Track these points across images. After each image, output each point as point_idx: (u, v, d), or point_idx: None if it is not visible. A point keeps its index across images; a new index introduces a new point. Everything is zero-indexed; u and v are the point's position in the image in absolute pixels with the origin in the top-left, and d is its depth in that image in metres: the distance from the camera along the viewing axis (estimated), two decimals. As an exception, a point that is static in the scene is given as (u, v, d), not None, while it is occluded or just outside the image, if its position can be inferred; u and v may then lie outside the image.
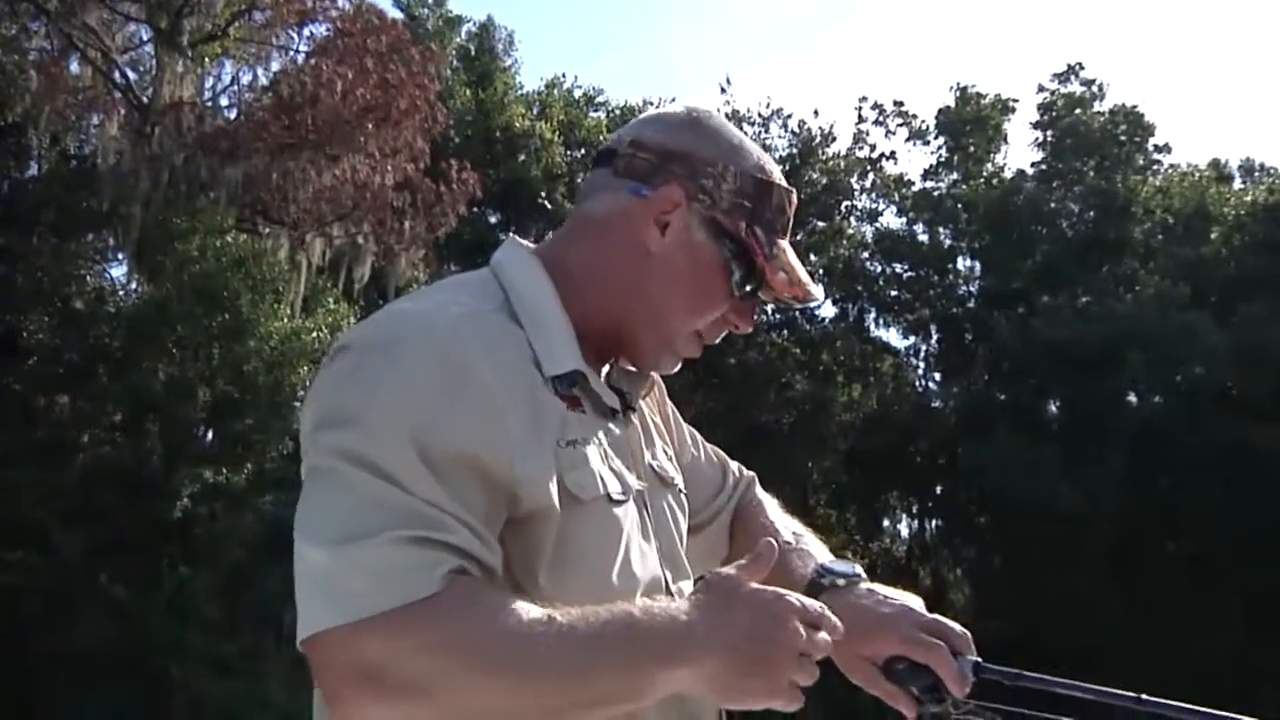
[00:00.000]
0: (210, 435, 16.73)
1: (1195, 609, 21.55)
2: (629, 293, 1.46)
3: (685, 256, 1.46)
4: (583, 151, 27.24)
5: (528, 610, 1.19)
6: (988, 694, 1.44)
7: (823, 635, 1.27)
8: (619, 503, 1.39)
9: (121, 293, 18.50)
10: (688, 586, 1.46)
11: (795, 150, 28.74)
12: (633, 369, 1.55)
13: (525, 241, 1.53)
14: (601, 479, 1.37)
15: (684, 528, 1.59)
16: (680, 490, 1.61)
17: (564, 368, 1.38)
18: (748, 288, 1.50)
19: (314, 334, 16.87)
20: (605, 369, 1.51)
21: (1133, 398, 26.39)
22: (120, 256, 19.27)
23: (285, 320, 16.85)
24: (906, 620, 1.51)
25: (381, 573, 1.17)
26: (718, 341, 1.56)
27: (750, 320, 1.54)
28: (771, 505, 1.88)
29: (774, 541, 1.33)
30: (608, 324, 1.47)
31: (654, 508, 1.49)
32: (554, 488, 1.31)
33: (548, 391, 1.35)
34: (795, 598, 1.27)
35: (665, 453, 1.62)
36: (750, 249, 1.48)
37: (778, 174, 1.54)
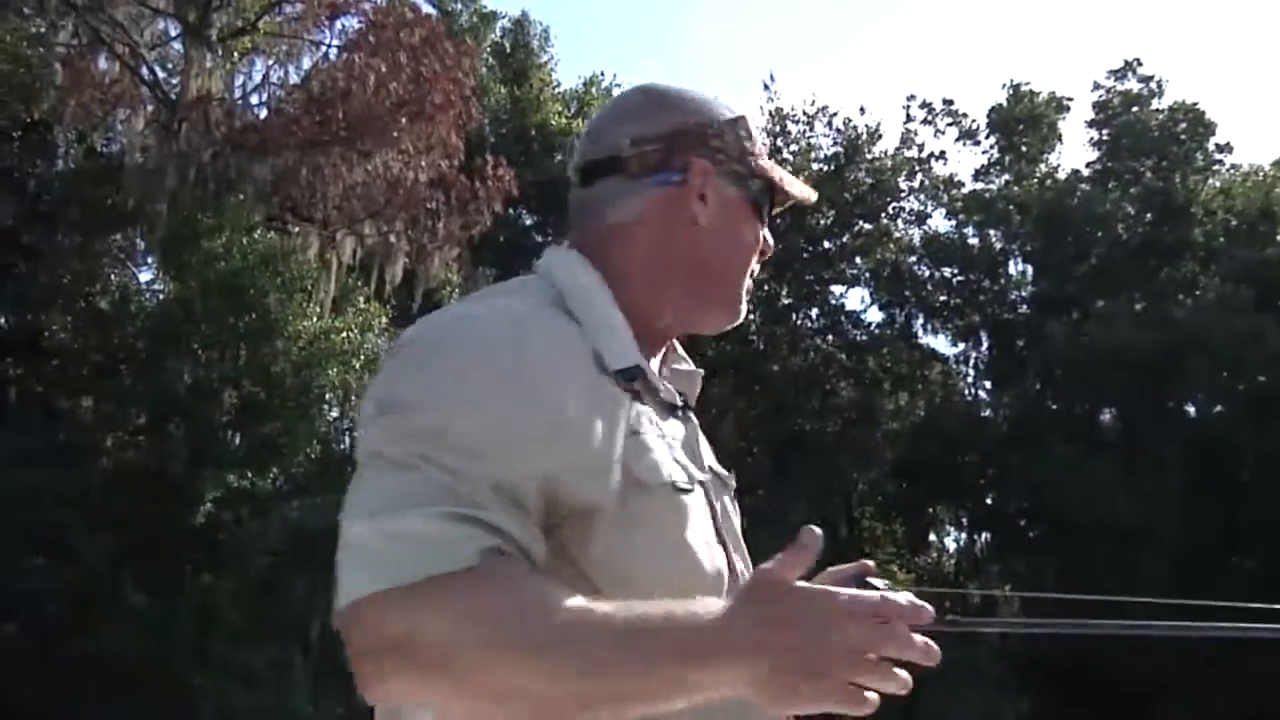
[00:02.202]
0: (236, 438, 16.61)
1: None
2: (696, 270, 1.55)
3: (728, 213, 1.56)
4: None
5: (560, 595, 1.20)
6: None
7: (891, 629, 1.19)
8: (685, 491, 1.42)
9: (146, 292, 18.46)
10: None
11: (841, 149, 28.45)
12: (684, 368, 1.64)
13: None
14: (668, 468, 1.40)
15: (739, 528, 1.61)
16: (735, 488, 1.65)
17: (626, 362, 1.43)
18: (774, 210, 1.65)
19: (344, 334, 16.74)
20: (656, 366, 1.56)
21: (1194, 406, 25.92)
22: (145, 255, 19.26)
23: (314, 320, 16.72)
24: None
25: (416, 542, 1.19)
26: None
27: (769, 236, 1.65)
28: None
29: (815, 528, 1.26)
30: (674, 312, 1.56)
31: (721, 505, 1.53)
32: (616, 477, 1.34)
33: (610, 384, 1.39)
34: (848, 593, 1.21)
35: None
36: (767, 178, 1.61)
37: (733, 105, 1.65)
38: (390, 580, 1.18)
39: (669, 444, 1.44)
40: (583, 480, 1.31)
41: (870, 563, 1.57)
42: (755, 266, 1.64)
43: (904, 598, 1.24)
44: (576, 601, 1.19)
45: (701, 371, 1.67)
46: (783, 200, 1.65)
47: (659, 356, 1.58)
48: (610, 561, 1.32)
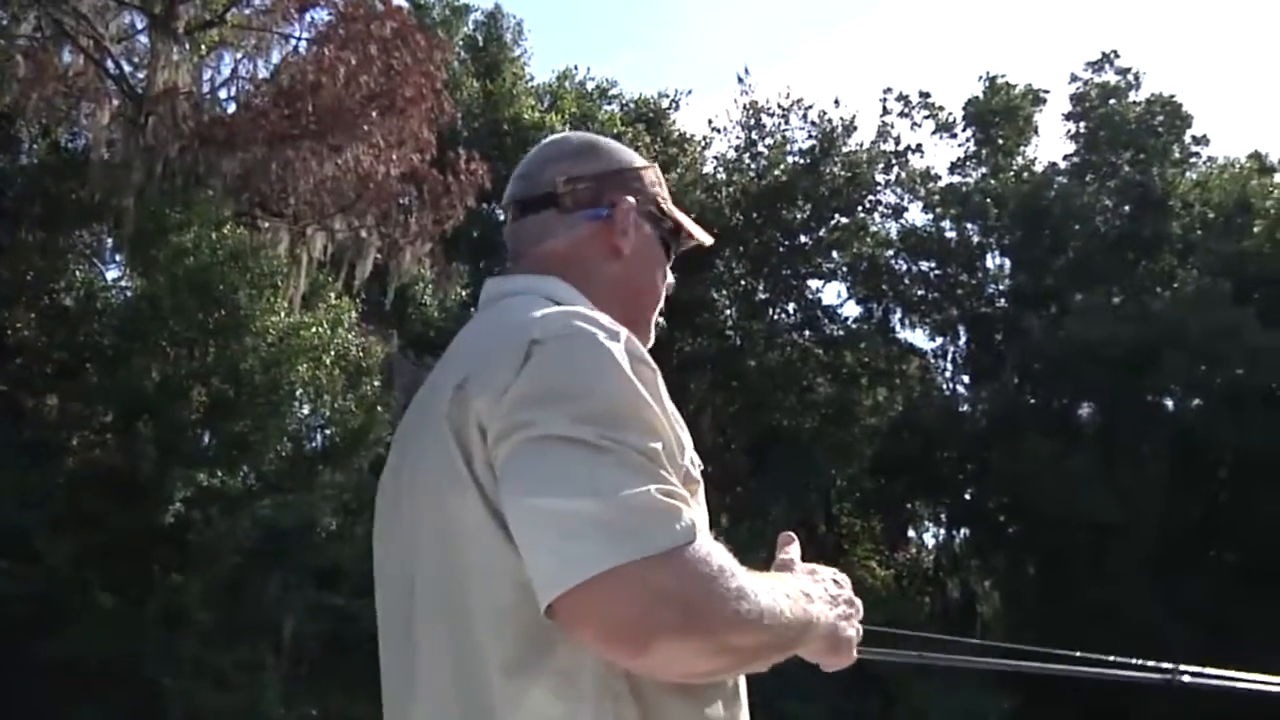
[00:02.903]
0: (205, 436, 16.44)
1: (1246, 622, 21.11)
2: (621, 294, 1.74)
3: (646, 247, 1.78)
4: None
5: (739, 565, 1.40)
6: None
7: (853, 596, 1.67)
8: (700, 483, 1.57)
9: (113, 289, 18.26)
10: None
11: (816, 142, 28.45)
12: None
13: None
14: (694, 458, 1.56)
15: None
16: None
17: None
18: (681, 247, 1.87)
19: (314, 330, 16.60)
20: None
21: (1172, 400, 26.04)
22: (113, 251, 19.07)
23: (284, 316, 16.56)
24: None
25: (659, 514, 1.33)
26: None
27: (671, 277, 1.87)
28: None
29: (791, 534, 1.75)
30: None
31: None
32: (696, 462, 1.54)
33: None
34: (835, 572, 1.69)
35: None
36: (675, 220, 1.83)
37: (641, 157, 1.88)
38: (648, 549, 1.30)
39: None
40: (689, 464, 1.51)
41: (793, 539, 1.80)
42: (662, 302, 1.84)
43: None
44: (754, 573, 1.43)
45: None
46: (686, 242, 1.87)
47: None
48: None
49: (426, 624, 1.51)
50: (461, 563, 1.45)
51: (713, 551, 1.35)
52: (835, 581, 1.63)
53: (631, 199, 1.76)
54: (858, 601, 1.64)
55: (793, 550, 1.68)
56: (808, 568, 1.64)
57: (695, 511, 1.39)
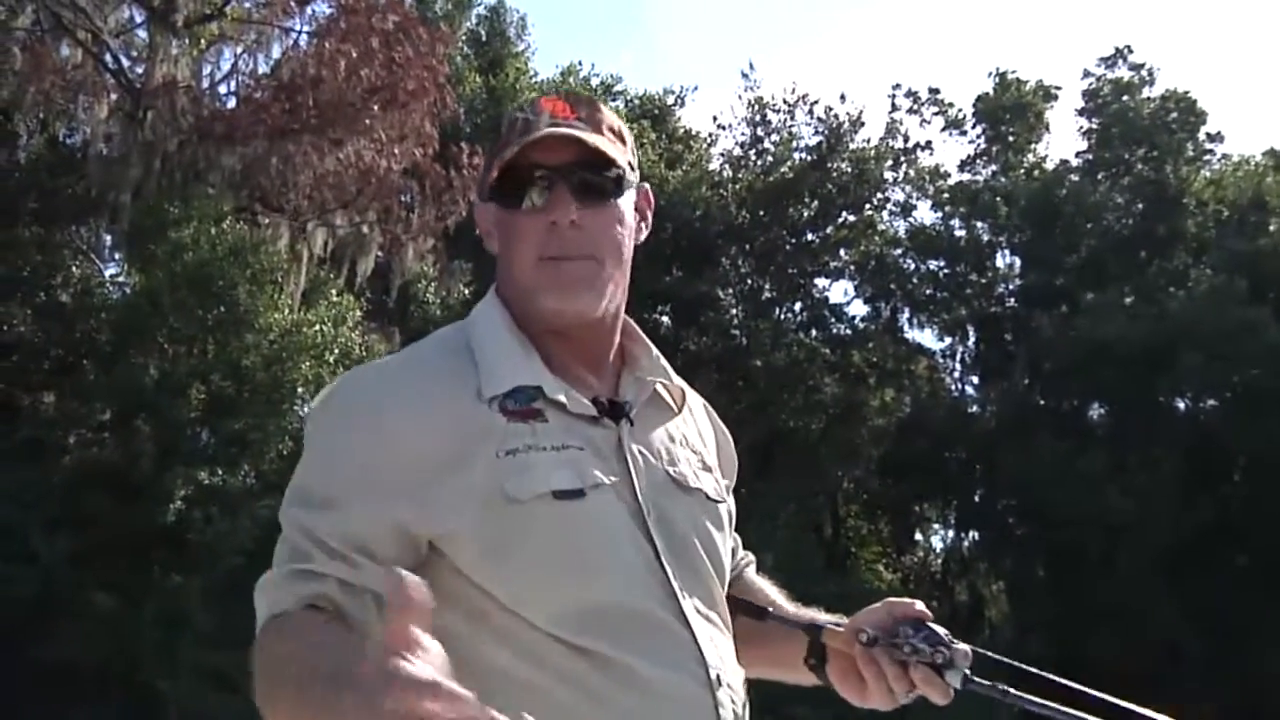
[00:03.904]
0: (205, 434, 16.42)
1: (1260, 625, 21.03)
2: (512, 282, 1.67)
3: (498, 225, 1.68)
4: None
5: (300, 641, 1.38)
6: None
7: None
8: (572, 495, 1.51)
9: (110, 285, 18.23)
10: (716, 589, 1.62)
11: (823, 138, 28.39)
12: (643, 375, 1.72)
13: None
14: (549, 478, 1.51)
15: (714, 535, 1.68)
16: (708, 498, 1.71)
17: (506, 386, 1.56)
18: (520, 181, 1.65)
19: (315, 328, 16.57)
20: (614, 376, 1.71)
21: (1186, 401, 25.94)
22: (109, 246, 19.05)
23: (285, 313, 16.53)
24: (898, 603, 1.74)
25: (266, 594, 1.49)
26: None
27: (536, 199, 1.67)
28: (768, 585, 1.99)
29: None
30: (534, 317, 1.64)
31: (659, 508, 1.59)
32: (476, 505, 1.48)
33: (486, 411, 1.53)
34: (399, 664, 1.07)
35: (702, 464, 1.75)
36: (501, 168, 1.64)
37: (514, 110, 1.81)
38: (257, 622, 1.49)
39: (571, 454, 1.54)
40: (436, 517, 1.49)
41: (920, 603, 1.72)
42: (547, 239, 1.61)
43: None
44: (296, 647, 1.36)
45: (651, 380, 1.72)
46: (525, 163, 1.62)
47: (607, 365, 1.71)
48: (490, 574, 1.49)
49: None
50: None
51: (264, 632, 1.47)
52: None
53: (476, 198, 1.79)
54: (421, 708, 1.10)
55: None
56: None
57: (306, 586, 1.47)
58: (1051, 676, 1.69)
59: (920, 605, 1.71)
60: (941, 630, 1.64)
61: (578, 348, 1.67)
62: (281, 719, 1.36)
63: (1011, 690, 1.57)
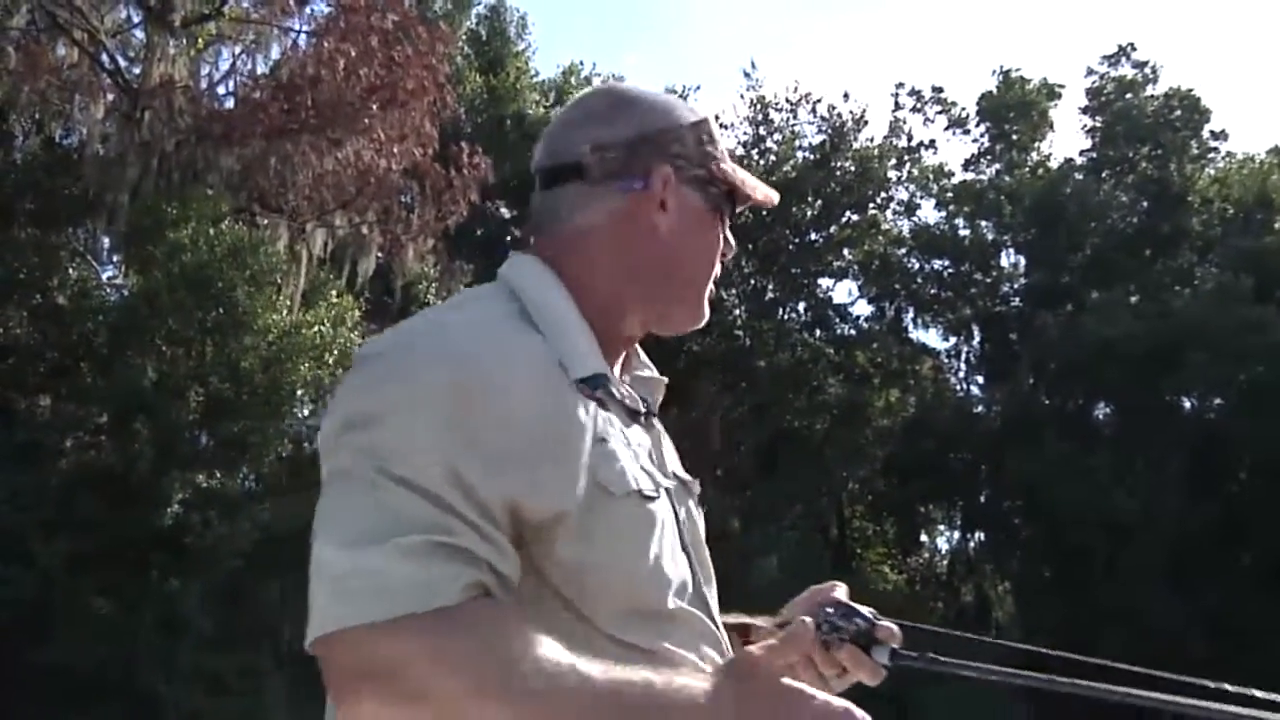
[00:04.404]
0: (203, 437, 16.32)
1: (1266, 625, 20.93)
2: (657, 277, 1.58)
3: (689, 220, 1.59)
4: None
5: (545, 645, 1.23)
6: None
7: None
8: (651, 499, 1.45)
9: (108, 286, 18.13)
10: (711, 593, 1.56)
11: (826, 136, 28.31)
12: (646, 375, 1.67)
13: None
14: (634, 475, 1.43)
15: (703, 533, 1.65)
16: (698, 495, 1.69)
17: (589, 370, 1.45)
18: (736, 211, 1.66)
19: (315, 329, 16.47)
20: (618, 373, 1.60)
21: (1191, 400, 25.87)
22: (107, 247, 18.96)
23: (284, 314, 16.44)
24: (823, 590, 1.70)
25: (398, 577, 1.22)
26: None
27: (730, 239, 1.67)
28: None
29: (807, 621, 1.45)
30: (635, 319, 1.59)
31: (682, 509, 1.57)
32: (581, 487, 1.36)
33: (574, 393, 1.41)
34: (825, 699, 1.30)
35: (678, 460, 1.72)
36: (729, 182, 1.63)
37: (695, 108, 1.68)
38: (371, 615, 1.21)
39: (634, 451, 1.48)
40: (549, 494, 1.34)
41: (842, 585, 1.68)
42: (718, 269, 1.66)
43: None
44: (559, 653, 1.23)
45: (665, 380, 1.70)
46: (744, 202, 1.67)
47: (619, 363, 1.62)
48: (576, 571, 1.36)
49: None
50: None
51: (462, 626, 1.22)
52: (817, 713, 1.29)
53: (669, 167, 1.57)
54: None
55: (787, 650, 1.38)
56: (778, 683, 1.31)
57: (502, 561, 1.29)
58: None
59: (842, 587, 1.69)
60: (866, 610, 1.58)
61: (619, 344, 1.61)
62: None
63: (941, 658, 1.50)
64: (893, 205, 29.30)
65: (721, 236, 1.64)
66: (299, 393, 16.48)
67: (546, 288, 1.52)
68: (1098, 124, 28.69)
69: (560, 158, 1.59)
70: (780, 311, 28.76)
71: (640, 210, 1.56)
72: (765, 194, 1.69)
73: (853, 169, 28.21)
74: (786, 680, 1.32)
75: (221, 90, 20.15)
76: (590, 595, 1.36)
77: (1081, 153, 29.05)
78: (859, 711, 1.29)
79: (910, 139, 29.03)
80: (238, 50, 20.17)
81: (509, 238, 24.87)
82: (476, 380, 1.33)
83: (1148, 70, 28.71)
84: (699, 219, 1.60)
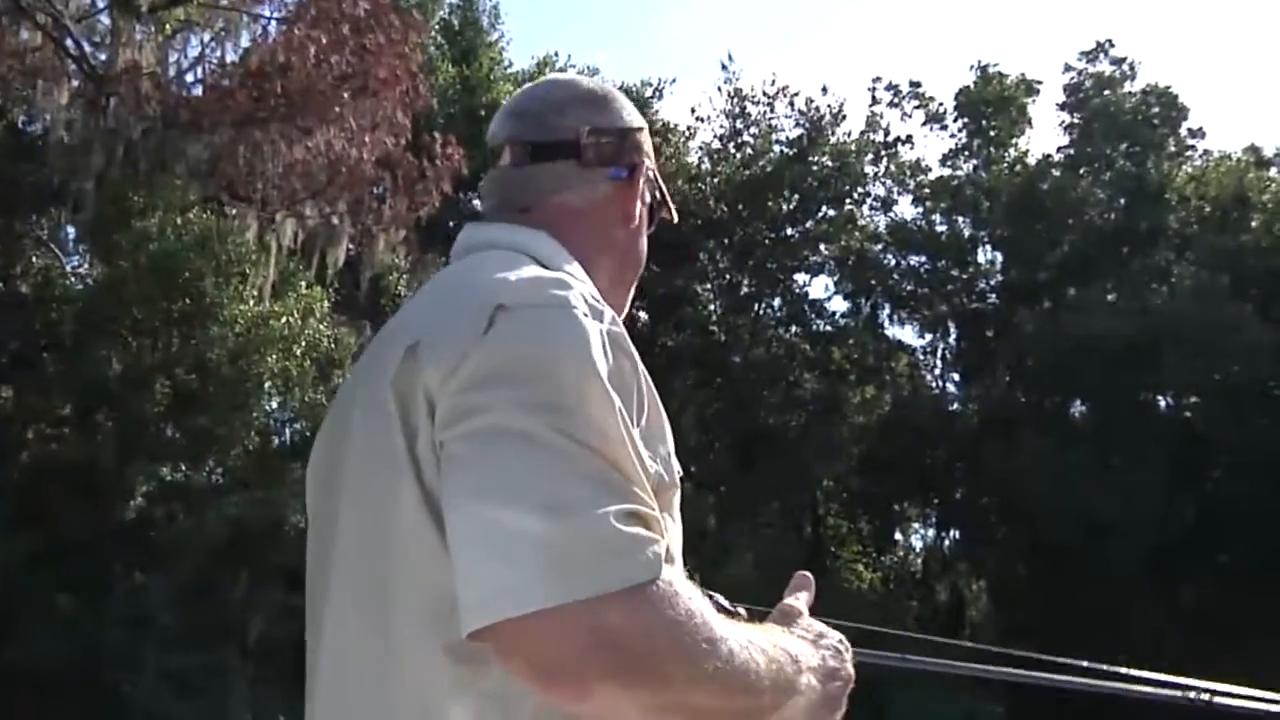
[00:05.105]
0: (169, 429, 16.16)
1: (1244, 623, 21.01)
2: (621, 262, 1.66)
3: (643, 214, 1.68)
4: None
5: (711, 608, 1.25)
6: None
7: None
8: (680, 484, 1.45)
9: (72, 276, 17.92)
10: None
11: (803, 130, 28.26)
12: None
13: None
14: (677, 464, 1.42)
15: None
16: None
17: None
18: (660, 217, 1.76)
19: (284, 320, 16.34)
20: None
21: (1169, 398, 25.96)
22: (71, 236, 18.75)
23: (252, 305, 16.28)
24: None
25: (615, 547, 1.18)
26: None
27: None
28: None
29: (808, 574, 1.57)
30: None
31: None
32: (665, 464, 1.36)
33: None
34: (841, 637, 1.47)
35: None
36: (662, 192, 1.74)
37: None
38: (600, 587, 1.16)
39: None
40: (665, 469, 1.35)
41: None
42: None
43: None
44: (727, 620, 1.27)
45: None
46: (664, 212, 1.76)
47: None
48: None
49: (340, 628, 1.39)
50: (387, 562, 1.31)
51: (680, 592, 1.21)
52: (837, 649, 1.45)
53: (648, 162, 1.68)
54: (853, 674, 1.48)
55: (804, 599, 1.52)
56: (815, 629, 1.46)
57: (668, 534, 1.28)
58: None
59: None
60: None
61: None
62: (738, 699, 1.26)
63: (910, 657, 1.68)
64: (869, 200, 29.29)
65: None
66: (267, 385, 16.34)
67: (569, 262, 1.52)
68: (1076, 120, 28.74)
69: (553, 134, 1.61)
70: (756, 307, 28.72)
71: (620, 199, 1.64)
72: (672, 212, 1.79)
73: (830, 164, 28.16)
74: (820, 622, 1.49)
75: (190, 78, 19.93)
76: None
77: (1059, 149, 29.11)
78: (840, 637, 1.49)
79: (887, 134, 29.03)
80: (207, 37, 19.97)
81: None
82: (623, 342, 1.33)
83: (1126, 67, 28.79)
84: (645, 219, 1.69)
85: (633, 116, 1.68)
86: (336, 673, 1.40)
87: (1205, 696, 2.02)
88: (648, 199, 1.69)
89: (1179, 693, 1.90)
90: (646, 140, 1.70)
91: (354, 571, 1.37)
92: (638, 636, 1.17)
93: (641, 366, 1.35)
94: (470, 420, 1.24)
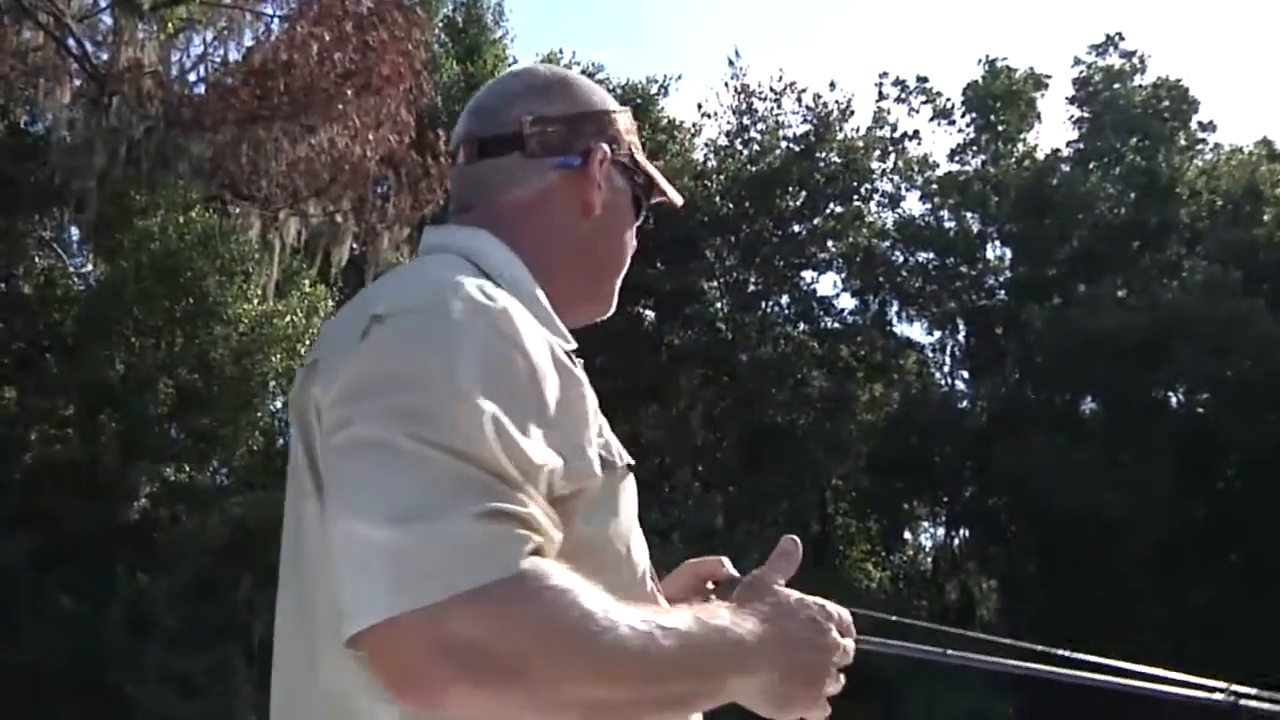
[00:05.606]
0: (172, 430, 16.19)
1: (1254, 621, 20.95)
2: (583, 258, 1.59)
3: (616, 204, 1.61)
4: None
5: (609, 598, 1.21)
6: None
7: (850, 642, 1.43)
8: (630, 472, 1.45)
9: (75, 276, 17.94)
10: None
11: (811, 126, 28.21)
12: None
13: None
14: (618, 447, 1.43)
15: None
16: None
17: (572, 343, 1.46)
18: (651, 203, 1.69)
19: (287, 319, 16.37)
20: None
21: (1179, 393, 25.88)
22: (74, 236, 18.78)
23: (256, 304, 16.29)
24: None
25: (465, 548, 1.16)
26: None
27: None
28: None
29: (794, 537, 1.51)
30: (565, 297, 1.53)
31: None
32: (595, 457, 1.35)
33: (570, 362, 1.40)
34: (830, 605, 1.42)
35: None
36: (648, 175, 1.66)
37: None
38: (441, 592, 1.13)
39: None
40: (575, 463, 1.31)
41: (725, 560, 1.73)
42: (627, 264, 1.68)
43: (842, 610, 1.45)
44: (624, 604, 1.21)
45: None
46: (658, 196, 1.70)
47: None
48: (590, 543, 1.33)
49: (283, 631, 1.43)
50: (305, 572, 1.35)
51: (551, 585, 1.17)
52: (814, 619, 1.40)
53: (606, 146, 1.60)
54: (846, 644, 1.43)
55: (782, 567, 1.47)
56: (787, 599, 1.40)
57: (538, 532, 1.21)
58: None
59: (727, 562, 1.73)
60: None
61: None
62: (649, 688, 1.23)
63: (912, 645, 1.66)
64: (877, 197, 29.21)
65: (633, 231, 1.67)
66: (271, 384, 16.36)
67: (510, 261, 1.50)
68: (1085, 114, 28.64)
69: (497, 128, 1.58)
70: (763, 304, 28.67)
71: (575, 188, 1.57)
72: (673, 195, 1.71)
73: (837, 160, 28.11)
74: (796, 593, 1.42)
75: (193, 76, 19.95)
76: (599, 570, 1.28)
77: (1068, 143, 28.98)
78: (832, 606, 1.44)
79: (895, 130, 28.96)
80: (209, 36, 19.99)
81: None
82: (512, 339, 1.29)
83: (1136, 60, 28.68)
84: (623, 206, 1.63)
85: (590, 100, 1.62)
86: (280, 674, 1.43)
87: (1232, 698, 2.00)
88: (619, 185, 1.62)
89: (1203, 693, 1.85)
90: (619, 123, 1.63)
91: (291, 577, 1.40)
92: (489, 637, 1.13)
93: (549, 357, 1.33)
94: (340, 433, 1.24)
